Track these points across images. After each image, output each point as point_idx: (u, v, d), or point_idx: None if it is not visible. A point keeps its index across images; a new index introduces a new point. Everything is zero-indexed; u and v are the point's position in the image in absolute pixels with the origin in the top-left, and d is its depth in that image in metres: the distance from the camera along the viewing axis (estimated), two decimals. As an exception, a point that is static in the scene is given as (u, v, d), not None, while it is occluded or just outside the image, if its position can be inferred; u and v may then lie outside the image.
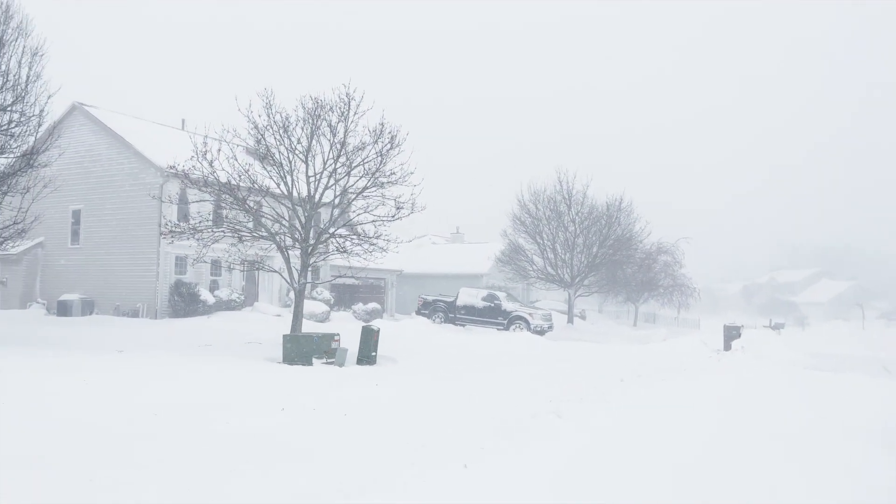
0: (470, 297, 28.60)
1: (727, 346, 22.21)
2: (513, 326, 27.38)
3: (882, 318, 69.79)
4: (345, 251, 16.50)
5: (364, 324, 20.00)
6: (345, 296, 31.24)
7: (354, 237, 16.82)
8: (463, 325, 27.98)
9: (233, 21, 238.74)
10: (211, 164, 15.84)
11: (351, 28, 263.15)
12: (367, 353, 14.76)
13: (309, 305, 26.05)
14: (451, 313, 28.48)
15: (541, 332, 26.88)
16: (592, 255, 35.91)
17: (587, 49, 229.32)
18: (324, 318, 26.71)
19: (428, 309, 28.81)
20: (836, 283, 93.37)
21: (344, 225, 17.15)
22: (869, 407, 10.22)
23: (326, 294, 29.11)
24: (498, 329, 27.37)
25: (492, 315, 27.96)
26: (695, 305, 51.13)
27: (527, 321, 27.35)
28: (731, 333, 22.94)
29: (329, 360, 14.33)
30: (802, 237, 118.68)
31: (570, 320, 36.39)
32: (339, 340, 14.75)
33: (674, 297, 47.29)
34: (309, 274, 28.66)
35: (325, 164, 16.64)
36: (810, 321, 69.47)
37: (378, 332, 14.99)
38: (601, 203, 37.12)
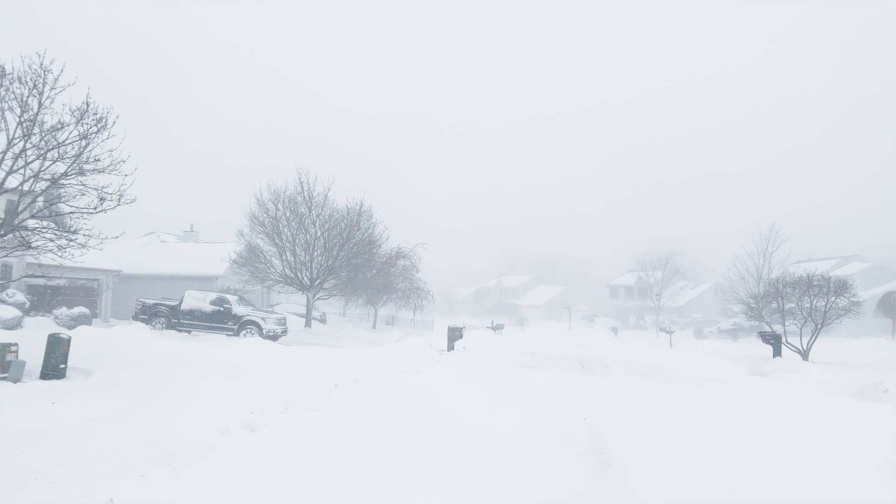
0: (197, 300, 26.64)
1: (450, 347, 23.36)
2: (243, 332, 26.09)
3: (585, 319, 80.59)
4: (29, 246, 14.14)
5: (67, 330, 17.46)
6: (45, 299, 27.17)
7: (45, 230, 14.51)
8: (188, 332, 25.95)
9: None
10: None
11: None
12: (55, 366, 12.74)
13: (-6, 310, 22.19)
14: (175, 318, 26.26)
15: (274, 337, 26.02)
16: (333, 258, 35.77)
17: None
18: (15, 325, 22.83)
19: (147, 314, 26.19)
20: (550, 287, 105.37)
21: (32, 216, 14.70)
22: (560, 401, 11.28)
23: (20, 296, 24.97)
24: (227, 335, 25.87)
25: (221, 320, 26.35)
26: (430, 308, 53.93)
27: (259, 326, 26.27)
28: (454, 334, 24.18)
29: (2, 375, 12.10)
30: (523, 248, 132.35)
31: (308, 324, 35.87)
32: (16, 351, 12.53)
33: (410, 299, 49.34)
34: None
35: (10, 143, 14.15)
36: (529, 322, 77.83)
37: (69, 340, 13.03)
38: (342, 207, 37.29)
